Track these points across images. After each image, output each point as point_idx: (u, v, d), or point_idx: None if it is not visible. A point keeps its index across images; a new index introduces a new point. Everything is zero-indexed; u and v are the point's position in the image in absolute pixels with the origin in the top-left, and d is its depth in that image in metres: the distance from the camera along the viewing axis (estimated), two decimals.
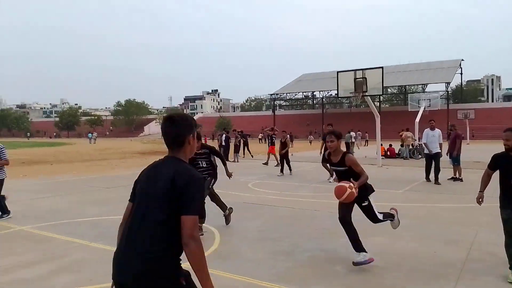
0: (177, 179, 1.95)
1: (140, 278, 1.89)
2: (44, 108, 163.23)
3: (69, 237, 5.74)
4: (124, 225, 2.11)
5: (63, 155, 26.44)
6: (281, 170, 13.65)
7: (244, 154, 22.53)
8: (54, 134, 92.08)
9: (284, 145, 13.84)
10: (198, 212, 1.94)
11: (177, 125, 2.13)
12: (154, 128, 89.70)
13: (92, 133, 59.80)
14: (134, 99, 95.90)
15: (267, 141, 19.12)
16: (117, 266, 1.98)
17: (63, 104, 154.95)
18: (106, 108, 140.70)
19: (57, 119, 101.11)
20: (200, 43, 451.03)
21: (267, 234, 5.92)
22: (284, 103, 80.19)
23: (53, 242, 5.53)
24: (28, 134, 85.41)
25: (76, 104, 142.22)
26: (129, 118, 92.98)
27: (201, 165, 6.07)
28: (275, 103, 77.82)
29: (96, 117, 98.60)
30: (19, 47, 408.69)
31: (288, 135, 15.28)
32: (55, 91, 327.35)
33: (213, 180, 6.31)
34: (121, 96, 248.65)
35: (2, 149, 6.95)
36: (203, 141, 7.05)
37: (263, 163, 17.09)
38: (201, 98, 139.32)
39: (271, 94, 76.86)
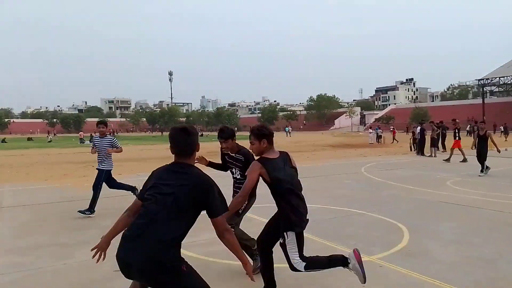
0: (206, 191, 2.35)
1: (151, 261, 2.19)
2: (250, 105, 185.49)
3: (266, 219, 6.41)
4: (141, 216, 2.33)
5: None
6: (482, 169, 11.61)
7: (443, 148, 20.41)
8: None
9: (482, 139, 11.79)
10: (224, 210, 2.38)
11: (191, 135, 2.47)
12: (344, 122, 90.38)
13: (288, 127, 64.66)
14: (325, 94, 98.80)
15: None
16: (130, 249, 2.24)
17: (264, 101, 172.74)
18: (300, 103, 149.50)
19: (260, 115, 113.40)
20: (393, 30, 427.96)
21: (464, 237, 5.29)
22: (497, 89, 68.30)
23: (253, 222, 6.30)
24: (235, 128, 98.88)
25: (275, 101, 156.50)
26: (320, 112, 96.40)
27: (234, 175, 4.43)
28: (485, 89, 67.14)
29: (291, 112, 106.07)
30: (229, 62, 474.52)
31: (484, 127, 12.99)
32: (259, 90, 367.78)
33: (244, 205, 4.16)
34: (314, 91, 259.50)
35: (114, 140, 7.34)
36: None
37: (443, 160, 15.35)
38: (394, 88, 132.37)
39: (479, 80, 66.70)
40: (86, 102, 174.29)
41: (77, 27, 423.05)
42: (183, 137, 2.45)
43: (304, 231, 3.41)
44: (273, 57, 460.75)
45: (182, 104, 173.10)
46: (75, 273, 4.24)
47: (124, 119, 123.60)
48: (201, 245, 5.11)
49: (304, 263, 3.28)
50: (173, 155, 2.50)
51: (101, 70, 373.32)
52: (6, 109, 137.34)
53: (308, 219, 3.43)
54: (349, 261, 3.36)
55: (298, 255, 3.28)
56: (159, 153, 25.20)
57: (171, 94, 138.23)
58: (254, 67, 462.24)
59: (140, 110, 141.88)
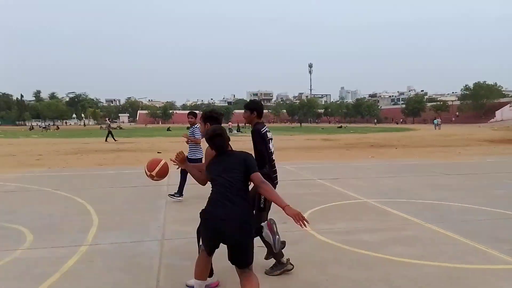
0: (244, 158, 3.13)
1: (241, 226, 2.95)
2: (392, 96, 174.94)
3: (406, 214, 6.21)
4: (218, 196, 3.03)
5: (407, 140, 27.72)
6: None
7: None
8: (401, 120, 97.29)
9: None
10: (257, 169, 3.12)
11: (223, 135, 3.22)
12: (508, 113, 77.98)
13: (437, 119, 59.03)
14: (485, 82, 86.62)
15: None
16: (223, 220, 2.94)
17: (409, 91, 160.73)
18: (453, 93, 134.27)
19: (403, 105, 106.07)
20: None
21: None
22: None
23: (391, 216, 6.17)
24: (375, 120, 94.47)
25: (422, 91, 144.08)
26: (478, 102, 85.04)
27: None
28: None
29: (441, 103, 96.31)
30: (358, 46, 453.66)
31: None
32: (403, 79, 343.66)
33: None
34: (469, 80, 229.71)
35: (196, 128, 7.41)
36: None
37: None
38: None
39: None
40: (234, 95, 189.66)
41: (228, 25, 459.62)
42: (218, 139, 3.21)
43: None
44: (420, 42, 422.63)
45: (320, 95, 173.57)
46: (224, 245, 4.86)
47: (266, 111, 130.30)
48: (337, 233, 5.25)
49: None
50: (216, 151, 3.23)
51: (249, 65, 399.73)
52: (170, 102, 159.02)
53: None
54: (262, 230, 3.61)
55: None
56: (297, 143, 25.99)
57: (310, 86, 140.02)
58: (398, 54, 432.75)
59: (281, 102, 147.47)
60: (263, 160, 3.93)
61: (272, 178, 3.98)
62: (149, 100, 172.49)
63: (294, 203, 7.19)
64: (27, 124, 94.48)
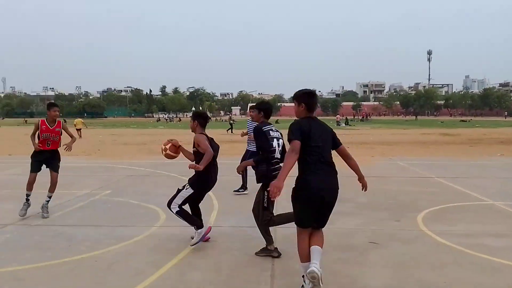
0: (331, 130, 3.42)
1: (336, 190, 3.31)
2: None
3: None
4: (318, 159, 3.16)
5: None
6: None
7: None
8: None
9: None
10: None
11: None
12: None
13: None
14: None
15: None
16: (322, 189, 3.14)
17: None
18: None
19: None
20: None
21: None
22: None
23: (502, 213, 5.55)
24: (506, 113, 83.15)
25: None
26: None
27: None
28: None
29: None
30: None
31: None
32: None
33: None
34: None
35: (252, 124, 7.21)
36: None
37: None
38: None
39: None
40: (343, 87, 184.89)
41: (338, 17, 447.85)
42: (316, 98, 3.42)
43: None
44: None
45: (441, 85, 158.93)
46: (335, 237, 4.95)
47: (378, 103, 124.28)
48: (457, 235, 4.94)
49: (178, 209, 4.50)
50: (306, 111, 3.32)
51: (358, 54, 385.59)
52: (279, 95, 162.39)
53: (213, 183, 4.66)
54: (200, 228, 4.49)
55: (179, 204, 4.50)
56: (411, 137, 24.44)
57: (429, 75, 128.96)
58: None
59: (394, 93, 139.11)
60: (262, 155, 4.22)
61: (269, 176, 4.11)
62: (259, 93, 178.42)
63: (408, 202, 6.96)
64: (154, 116, 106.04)
